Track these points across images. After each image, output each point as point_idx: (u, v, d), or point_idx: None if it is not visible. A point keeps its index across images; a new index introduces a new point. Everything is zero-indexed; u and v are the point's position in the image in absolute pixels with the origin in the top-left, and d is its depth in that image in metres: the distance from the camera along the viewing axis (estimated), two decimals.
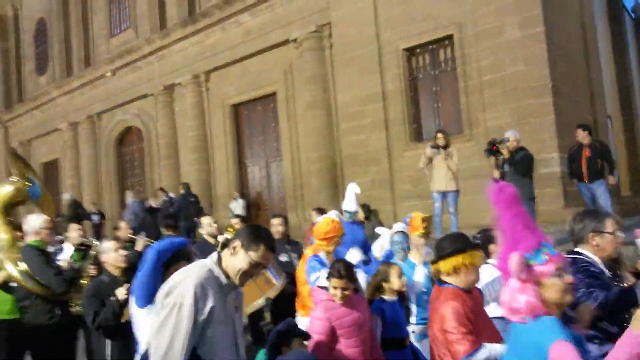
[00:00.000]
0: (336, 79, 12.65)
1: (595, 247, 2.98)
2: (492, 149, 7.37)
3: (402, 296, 3.87)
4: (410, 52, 11.60)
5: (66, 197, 15.11)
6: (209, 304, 2.29)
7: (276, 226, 5.75)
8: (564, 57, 10.58)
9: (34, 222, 4.74)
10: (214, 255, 2.51)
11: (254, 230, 2.51)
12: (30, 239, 4.72)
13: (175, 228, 6.42)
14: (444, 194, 8.12)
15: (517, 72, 9.93)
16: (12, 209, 4.99)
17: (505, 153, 7.32)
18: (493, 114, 10.16)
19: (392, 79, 11.66)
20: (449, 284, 2.87)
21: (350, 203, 6.43)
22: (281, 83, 13.90)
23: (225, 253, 2.48)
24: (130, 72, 17.90)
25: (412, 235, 4.58)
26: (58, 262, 4.87)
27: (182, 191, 12.43)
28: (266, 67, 14.20)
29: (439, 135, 8.26)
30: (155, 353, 2.24)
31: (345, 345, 3.26)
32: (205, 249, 4.44)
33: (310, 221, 8.28)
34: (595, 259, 2.99)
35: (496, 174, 7.46)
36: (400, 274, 3.82)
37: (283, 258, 5.55)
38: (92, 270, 5.63)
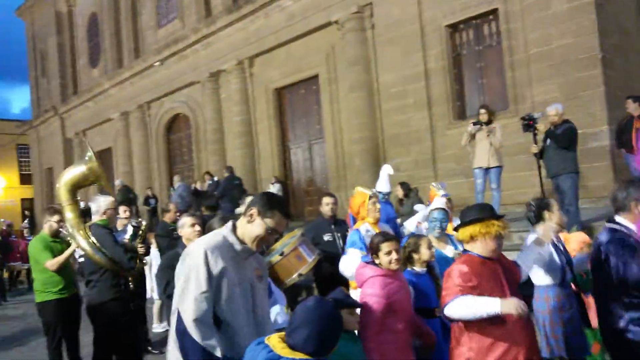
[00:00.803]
0: (378, 59, 12.59)
1: (638, 215, 3.01)
2: (529, 124, 7.22)
3: (431, 268, 3.89)
4: (454, 28, 11.41)
5: (118, 183, 15.80)
6: (220, 264, 2.39)
7: (328, 204, 5.68)
8: (615, 29, 10.15)
9: (102, 202, 4.97)
10: (230, 223, 2.60)
11: (269, 198, 2.58)
12: (96, 219, 4.95)
13: (214, 208, 6.57)
14: (486, 170, 7.98)
15: (566, 44, 9.61)
16: (79, 190, 5.16)
17: (542, 128, 7.15)
18: (540, 89, 9.89)
19: (434, 57, 11.51)
20: (468, 251, 3.02)
21: (383, 184, 6.44)
22: (323, 66, 13.95)
23: (242, 221, 2.56)
24: (178, 61, 18.36)
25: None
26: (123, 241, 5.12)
27: (226, 174, 12.72)
28: (309, 50, 14.27)
29: (482, 111, 8.11)
30: (185, 319, 2.33)
31: (395, 320, 3.28)
32: None
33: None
34: (635, 229, 3.01)
35: (534, 149, 7.31)
36: (430, 246, 3.85)
37: (326, 237, 5.51)
38: (141, 249, 5.92)
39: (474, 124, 8.01)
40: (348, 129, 13.27)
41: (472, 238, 2.94)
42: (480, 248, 2.94)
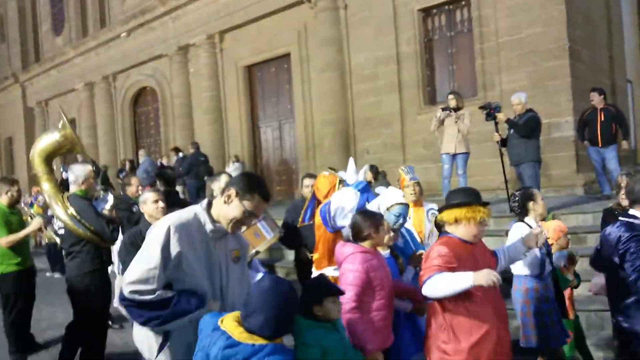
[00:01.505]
0: (351, 40, 12.50)
1: None
2: (489, 113, 7.34)
3: (394, 252, 3.88)
4: (426, 12, 11.40)
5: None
6: (182, 245, 2.32)
7: (307, 186, 5.58)
8: (584, 21, 10.33)
9: (80, 172, 4.78)
10: (205, 201, 2.50)
11: (249, 180, 2.45)
12: (75, 189, 4.76)
13: (170, 183, 6.46)
14: (453, 156, 8.10)
15: (535, 33, 9.74)
16: (54, 158, 5.01)
17: (501, 117, 7.28)
18: (509, 77, 10.02)
19: (407, 41, 11.50)
20: (448, 233, 3.01)
21: (350, 176, 6.40)
22: (295, 44, 13.77)
23: (218, 200, 2.45)
24: (145, 32, 17.83)
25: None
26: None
27: (191, 150, 12.53)
28: (280, 27, 14.05)
29: (451, 97, 8.19)
30: (124, 284, 2.35)
31: (372, 298, 3.25)
32: None
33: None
34: None
35: (496, 137, 7.46)
36: (389, 229, 3.77)
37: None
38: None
39: (443, 109, 8.10)
40: (319, 110, 13.20)
41: (456, 221, 2.94)
42: (462, 232, 2.94)
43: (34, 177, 4.98)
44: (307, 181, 5.67)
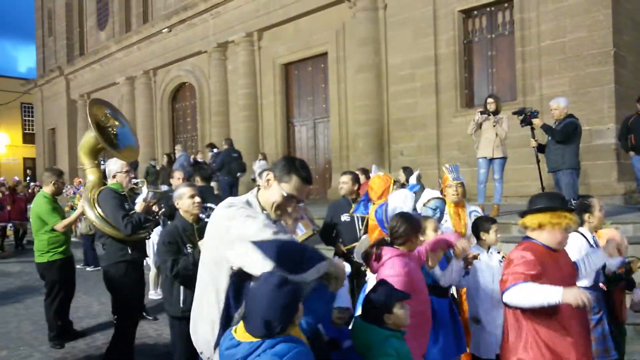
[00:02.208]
0: (388, 40, 12.45)
1: None
2: (525, 118, 7.19)
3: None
4: (467, 13, 11.27)
5: None
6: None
7: (345, 182, 5.57)
8: (630, 26, 10.03)
9: (111, 166, 4.94)
10: (255, 189, 2.47)
11: (288, 162, 2.38)
12: (109, 182, 4.94)
13: (208, 179, 6.53)
14: (489, 161, 7.97)
15: (578, 38, 9.50)
16: (99, 153, 5.14)
17: (537, 122, 7.13)
18: (550, 82, 9.82)
19: (446, 42, 11.39)
20: (531, 239, 2.90)
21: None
22: (332, 43, 13.80)
23: (261, 189, 2.42)
24: (186, 29, 18.18)
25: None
26: (136, 204, 4.91)
27: (225, 147, 12.68)
28: (318, 26, 14.11)
29: (490, 100, 8.05)
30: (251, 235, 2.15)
31: (415, 301, 3.09)
32: None
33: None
34: None
35: (532, 143, 7.32)
36: (436, 228, 3.86)
37: (344, 218, 5.40)
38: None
39: (481, 112, 7.97)
40: (354, 110, 13.20)
41: (540, 226, 2.84)
42: (546, 238, 2.83)
43: (76, 168, 5.11)
44: (345, 178, 5.67)
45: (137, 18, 21.45)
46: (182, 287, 3.76)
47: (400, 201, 3.95)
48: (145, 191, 4.80)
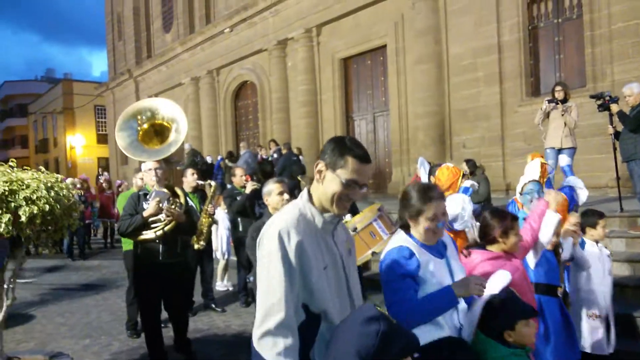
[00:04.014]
0: (449, 30, 12.22)
1: None
2: (603, 103, 6.83)
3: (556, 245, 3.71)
4: None
5: (187, 147, 16.37)
6: (300, 247, 1.85)
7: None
8: None
9: (144, 167, 4.88)
10: (303, 192, 2.04)
11: (337, 143, 1.96)
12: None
13: (270, 175, 6.63)
14: (558, 151, 7.68)
15: None
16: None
17: (614, 108, 6.75)
18: (622, 67, 9.31)
19: (509, 29, 11.04)
20: None
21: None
22: (391, 35, 13.69)
23: (313, 185, 2.02)
24: (247, 27, 18.56)
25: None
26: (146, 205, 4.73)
27: (284, 151, 12.84)
28: (377, 19, 14.03)
29: (558, 88, 7.75)
30: (258, 311, 1.84)
31: None
32: None
33: (415, 174, 8.25)
34: None
35: (609, 130, 6.95)
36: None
37: None
38: (210, 208, 6.21)
39: (549, 101, 7.68)
40: (414, 102, 13.06)
41: None
42: None
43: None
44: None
45: (200, 19, 22.13)
46: None
47: (459, 207, 3.85)
48: (153, 193, 4.56)
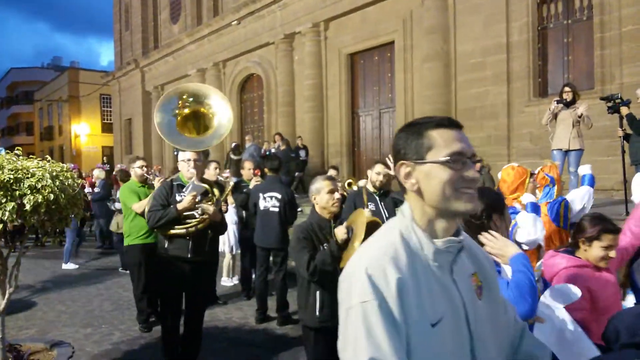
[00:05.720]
0: (458, 28, 12.14)
1: None
2: (613, 104, 6.78)
3: None
4: None
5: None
6: (402, 288, 1.24)
7: (379, 173, 5.41)
8: None
9: (182, 156, 4.65)
10: (404, 207, 1.41)
11: (407, 130, 1.43)
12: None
13: (277, 170, 6.58)
14: (565, 153, 7.63)
15: None
16: None
17: (624, 111, 6.70)
18: (632, 69, 9.24)
19: (519, 29, 10.97)
20: None
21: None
22: (399, 32, 13.62)
23: (410, 197, 1.40)
24: (254, 20, 18.50)
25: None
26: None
27: (282, 147, 12.80)
28: (385, 15, 13.96)
29: (566, 89, 7.69)
30: None
31: (600, 324, 2.24)
32: None
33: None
34: None
35: (619, 132, 6.91)
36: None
37: (372, 206, 5.24)
38: (224, 206, 6.13)
39: (558, 102, 7.63)
40: (420, 100, 13.00)
41: None
42: None
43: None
44: (379, 167, 5.57)
45: (207, 11, 22.06)
46: (318, 293, 3.37)
47: (586, 199, 3.92)
48: (191, 185, 4.32)
